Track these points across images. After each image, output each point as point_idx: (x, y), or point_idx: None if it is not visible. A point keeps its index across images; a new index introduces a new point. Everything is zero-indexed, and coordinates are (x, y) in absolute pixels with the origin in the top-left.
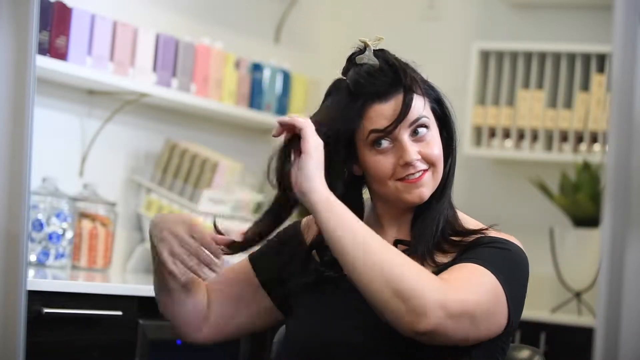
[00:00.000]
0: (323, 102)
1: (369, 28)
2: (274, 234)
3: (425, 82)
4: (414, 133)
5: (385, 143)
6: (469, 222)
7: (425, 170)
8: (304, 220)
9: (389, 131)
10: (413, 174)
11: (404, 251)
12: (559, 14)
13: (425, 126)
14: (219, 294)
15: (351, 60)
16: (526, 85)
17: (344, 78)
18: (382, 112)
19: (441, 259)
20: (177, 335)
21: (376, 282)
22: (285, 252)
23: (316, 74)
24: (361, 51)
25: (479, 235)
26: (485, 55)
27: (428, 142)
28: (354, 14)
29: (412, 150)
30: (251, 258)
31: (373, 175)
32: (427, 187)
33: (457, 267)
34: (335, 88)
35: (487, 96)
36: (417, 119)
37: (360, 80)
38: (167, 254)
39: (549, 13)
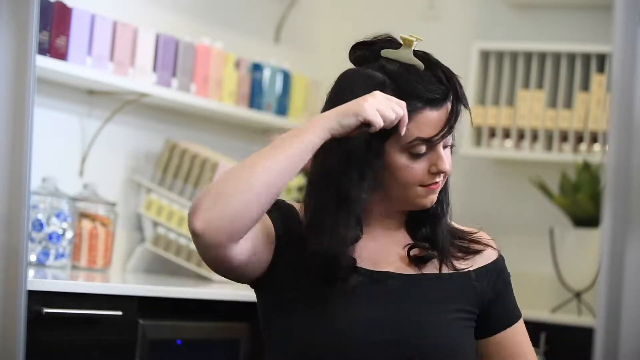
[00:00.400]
0: (344, 91)
1: (369, 28)
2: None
3: None
4: (446, 143)
5: (423, 150)
6: (457, 226)
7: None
8: (295, 207)
9: (436, 142)
10: (436, 182)
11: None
12: (559, 14)
13: (452, 137)
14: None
15: (365, 48)
16: (526, 85)
17: (374, 72)
18: (431, 120)
19: (457, 264)
20: (216, 241)
21: None
22: (291, 229)
23: (316, 74)
24: (390, 44)
25: (495, 256)
26: (485, 55)
27: (448, 154)
28: (354, 14)
29: (447, 160)
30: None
31: (402, 179)
32: (437, 193)
33: (525, 341)
34: (371, 80)
35: (487, 96)
36: (453, 131)
37: (413, 84)
38: (370, 107)
39: (549, 13)
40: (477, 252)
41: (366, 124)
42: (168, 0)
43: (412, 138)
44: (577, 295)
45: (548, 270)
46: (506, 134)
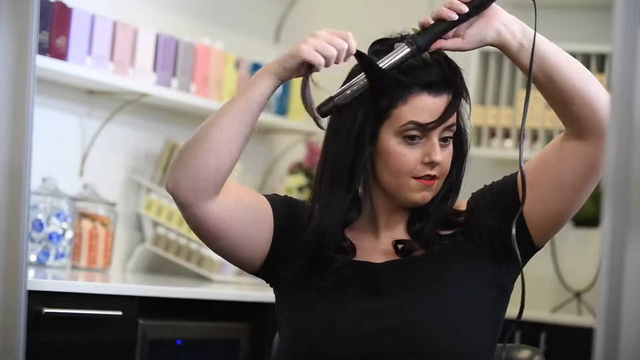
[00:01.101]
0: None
1: (369, 28)
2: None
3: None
4: (443, 139)
5: (417, 137)
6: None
7: (435, 177)
8: (292, 200)
9: (429, 128)
10: (430, 175)
11: (403, 251)
12: (559, 14)
13: (452, 133)
14: (239, 191)
15: (389, 45)
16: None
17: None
18: (427, 105)
19: (439, 242)
20: (186, 199)
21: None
22: (297, 221)
23: (316, 74)
24: (402, 39)
25: (467, 202)
26: (485, 55)
27: (448, 151)
28: (354, 14)
29: (440, 151)
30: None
31: (393, 166)
32: (432, 191)
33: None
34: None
35: (487, 96)
36: (452, 125)
37: (415, 64)
38: (307, 46)
39: (549, 13)
40: (457, 224)
41: (309, 65)
42: (168, 0)
43: (406, 121)
44: (577, 295)
45: (548, 270)
46: (506, 134)
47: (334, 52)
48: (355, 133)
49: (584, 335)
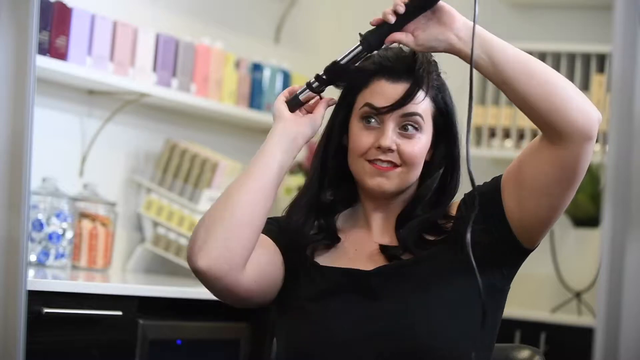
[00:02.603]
0: None
1: (369, 28)
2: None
3: (442, 91)
4: (404, 127)
5: (373, 121)
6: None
7: (395, 165)
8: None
9: (381, 112)
10: (382, 160)
11: (389, 256)
12: (559, 14)
13: (416, 127)
14: (261, 250)
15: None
16: None
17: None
18: (385, 91)
19: (426, 247)
20: (219, 271)
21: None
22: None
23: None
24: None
25: (457, 206)
26: None
27: (411, 141)
28: (354, 14)
29: (391, 138)
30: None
31: (351, 147)
32: (391, 181)
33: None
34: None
35: (487, 96)
36: (411, 114)
37: (385, 54)
38: (282, 97)
39: (549, 13)
40: (448, 230)
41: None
42: (168, 0)
43: (363, 103)
44: (577, 295)
45: (548, 270)
46: (506, 134)
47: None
48: (330, 122)
49: (584, 335)
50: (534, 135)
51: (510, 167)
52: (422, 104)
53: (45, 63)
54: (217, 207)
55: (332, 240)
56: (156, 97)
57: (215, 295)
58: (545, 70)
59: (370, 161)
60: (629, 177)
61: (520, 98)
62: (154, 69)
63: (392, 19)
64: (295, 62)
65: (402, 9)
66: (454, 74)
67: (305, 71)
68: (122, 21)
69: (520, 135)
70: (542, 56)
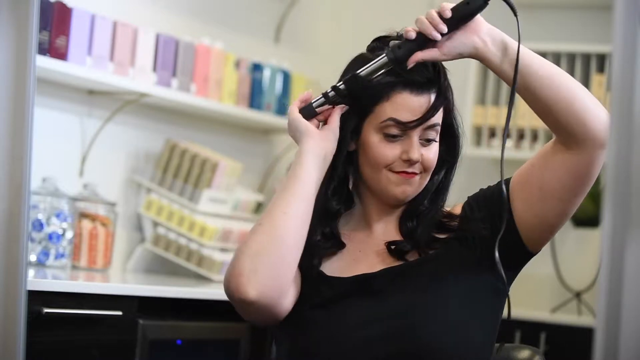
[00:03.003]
0: (346, 70)
1: (369, 28)
2: None
3: (452, 93)
4: (424, 136)
5: (395, 133)
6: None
7: (416, 173)
8: None
9: (409, 128)
10: (407, 172)
11: (396, 252)
12: (559, 14)
13: (436, 133)
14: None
15: (385, 43)
16: None
17: (367, 53)
18: (409, 104)
19: (434, 246)
20: (271, 299)
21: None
22: None
23: (316, 74)
24: (398, 38)
25: (462, 206)
26: None
27: (430, 149)
28: (354, 14)
29: (418, 150)
30: None
31: (371, 158)
32: (413, 187)
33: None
34: (364, 61)
35: (487, 96)
36: (434, 125)
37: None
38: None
39: (549, 13)
40: (453, 229)
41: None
42: (168, 0)
43: (386, 117)
44: (577, 295)
45: (548, 270)
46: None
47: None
48: (342, 128)
49: (584, 335)
50: (534, 135)
51: (521, 170)
52: (441, 112)
53: (45, 63)
54: (261, 233)
55: (338, 247)
56: (156, 97)
57: (255, 321)
58: (567, 79)
59: (395, 171)
60: (629, 177)
61: (541, 105)
62: (154, 69)
63: (438, 37)
64: (295, 62)
65: (445, 29)
66: (453, 72)
67: (305, 71)
68: (122, 21)
69: (520, 135)
70: (542, 56)
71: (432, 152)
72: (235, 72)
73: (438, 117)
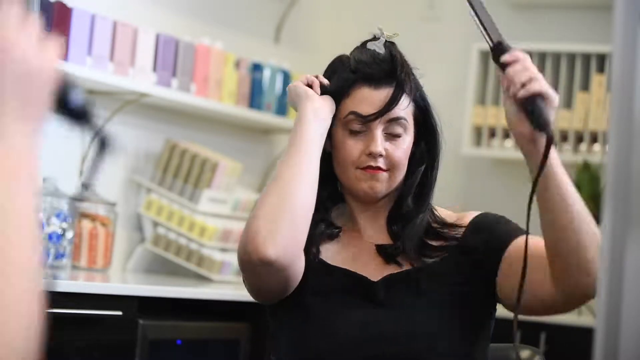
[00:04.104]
0: (325, 72)
1: (369, 28)
2: None
3: (419, 89)
4: (389, 131)
5: (358, 128)
6: (443, 212)
7: (382, 169)
8: None
9: (368, 120)
10: (372, 167)
11: (387, 255)
12: (559, 14)
13: (402, 128)
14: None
15: (364, 44)
16: None
17: (344, 55)
18: (368, 98)
19: (430, 253)
20: (288, 260)
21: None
22: None
23: (316, 73)
24: (375, 39)
25: (475, 216)
26: (485, 56)
27: (397, 145)
28: (354, 14)
29: (381, 143)
30: None
31: (339, 157)
32: (382, 183)
33: (536, 243)
34: (340, 62)
35: (487, 96)
36: (397, 118)
37: (361, 59)
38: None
39: (549, 13)
40: (455, 238)
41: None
42: (168, 0)
43: (347, 112)
44: None
45: None
46: (506, 134)
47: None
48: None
49: (584, 335)
50: None
51: (516, 251)
52: (404, 105)
53: None
54: (275, 196)
55: (333, 230)
56: (156, 97)
57: (268, 287)
58: (590, 223)
59: (361, 168)
60: (629, 177)
61: (553, 237)
62: (154, 69)
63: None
64: (295, 62)
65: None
66: (453, 72)
67: (305, 71)
68: (122, 21)
69: None
70: (542, 56)
71: (399, 149)
72: (235, 72)
73: (402, 112)
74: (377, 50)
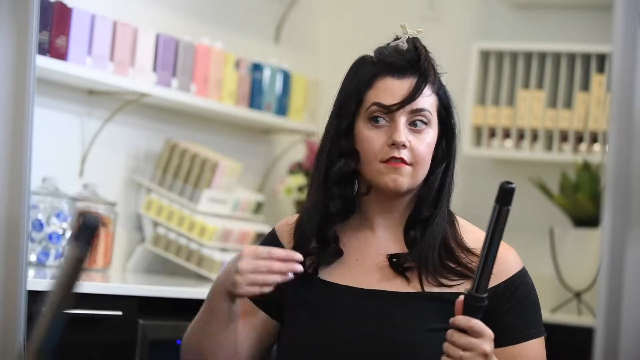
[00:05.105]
0: (348, 72)
1: (369, 28)
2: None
3: (442, 85)
4: (413, 123)
5: (381, 120)
6: (467, 227)
7: (406, 162)
8: (278, 226)
9: (391, 110)
10: (395, 158)
11: (396, 264)
12: (559, 14)
13: (425, 122)
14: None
15: (387, 44)
16: (526, 85)
17: (366, 54)
18: (391, 88)
19: (446, 279)
20: None
21: None
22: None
23: (316, 74)
24: (397, 39)
25: (511, 274)
26: (485, 55)
27: (421, 139)
28: (354, 14)
29: (404, 133)
30: None
31: (363, 150)
32: (405, 178)
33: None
34: (362, 60)
35: (487, 96)
36: (421, 110)
37: (383, 52)
38: (243, 279)
39: (548, 13)
40: (468, 267)
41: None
42: (168, 0)
43: (370, 103)
44: (577, 295)
45: (548, 270)
46: (506, 134)
47: (270, 279)
48: (332, 129)
49: (584, 335)
50: (534, 135)
51: (521, 355)
52: (430, 99)
53: (45, 63)
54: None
55: (336, 256)
56: (156, 97)
57: None
58: None
59: (384, 161)
60: (629, 177)
61: None
62: (154, 69)
63: None
64: (295, 62)
65: None
66: (453, 72)
67: (305, 71)
68: (122, 21)
69: (520, 135)
70: (542, 56)
71: (422, 143)
72: (235, 72)
73: (425, 103)
74: (400, 44)
